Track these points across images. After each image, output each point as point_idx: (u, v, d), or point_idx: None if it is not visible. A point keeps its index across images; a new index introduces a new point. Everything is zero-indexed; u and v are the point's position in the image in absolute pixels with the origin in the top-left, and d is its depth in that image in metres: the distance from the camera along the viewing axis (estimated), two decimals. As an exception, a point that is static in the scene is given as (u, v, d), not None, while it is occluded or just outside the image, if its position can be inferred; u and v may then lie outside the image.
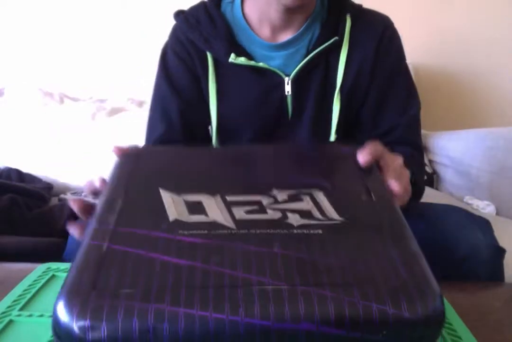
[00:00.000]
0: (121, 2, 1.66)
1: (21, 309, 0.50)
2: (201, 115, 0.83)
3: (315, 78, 0.80)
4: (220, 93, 0.81)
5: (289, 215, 0.42)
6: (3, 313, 0.48)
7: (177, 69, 0.84)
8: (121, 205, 0.43)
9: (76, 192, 1.36)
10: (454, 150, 1.54)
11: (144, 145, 0.85)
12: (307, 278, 0.35)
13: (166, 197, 0.44)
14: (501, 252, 0.70)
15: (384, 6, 0.94)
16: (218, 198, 0.44)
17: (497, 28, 1.75)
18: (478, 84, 1.81)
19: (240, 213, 0.42)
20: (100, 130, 1.46)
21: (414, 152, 0.83)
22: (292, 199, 0.45)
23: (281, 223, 0.41)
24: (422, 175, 0.90)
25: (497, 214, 1.41)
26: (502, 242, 0.71)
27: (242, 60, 0.78)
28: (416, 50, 1.26)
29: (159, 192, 0.45)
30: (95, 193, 0.49)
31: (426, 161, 1.57)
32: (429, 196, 0.88)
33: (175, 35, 0.84)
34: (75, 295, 0.33)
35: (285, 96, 0.80)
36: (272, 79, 0.80)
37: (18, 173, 1.37)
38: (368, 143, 0.52)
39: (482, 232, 0.69)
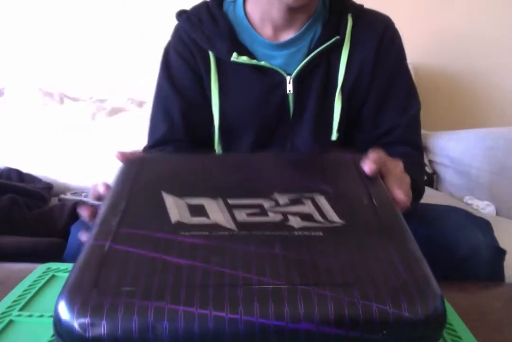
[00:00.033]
0: (121, 2, 1.66)
1: (21, 309, 0.50)
2: (203, 115, 0.83)
3: (316, 77, 0.80)
4: (222, 92, 0.82)
5: (290, 217, 0.43)
6: (3, 313, 0.48)
7: (180, 69, 0.84)
8: (124, 207, 0.44)
9: (76, 192, 1.36)
10: (454, 151, 1.54)
11: (148, 151, 0.85)
12: (307, 278, 0.35)
13: (169, 200, 0.45)
14: (501, 253, 0.70)
15: (384, 6, 0.94)
16: (220, 201, 0.45)
17: (497, 28, 1.75)
18: (478, 84, 1.81)
19: (241, 215, 0.43)
20: (100, 130, 1.46)
21: (414, 153, 0.83)
22: (294, 202, 0.45)
23: (282, 225, 0.42)
24: (422, 175, 0.90)
25: (497, 214, 1.41)
26: (502, 242, 0.71)
27: (244, 59, 0.78)
28: (416, 50, 1.26)
29: (162, 196, 0.46)
30: (99, 198, 0.51)
31: (426, 161, 1.57)
32: (429, 196, 0.88)
33: (178, 35, 0.85)
34: (76, 293, 0.33)
35: (287, 95, 0.81)
36: (273, 78, 0.80)
37: (18, 173, 1.37)
38: (371, 151, 0.53)
39: (482, 233, 0.69)
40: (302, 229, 0.41)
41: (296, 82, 0.80)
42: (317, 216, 0.43)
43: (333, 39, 0.79)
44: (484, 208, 1.40)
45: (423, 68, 1.70)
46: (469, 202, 1.44)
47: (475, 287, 0.64)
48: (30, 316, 0.48)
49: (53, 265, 0.61)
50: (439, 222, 0.71)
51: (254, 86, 0.81)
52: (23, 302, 0.51)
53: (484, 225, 0.72)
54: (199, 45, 0.82)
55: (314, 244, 0.39)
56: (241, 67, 0.80)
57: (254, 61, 0.79)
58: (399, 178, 0.53)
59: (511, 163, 1.44)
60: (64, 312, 0.32)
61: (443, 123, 1.70)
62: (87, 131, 1.46)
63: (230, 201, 0.45)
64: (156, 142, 0.85)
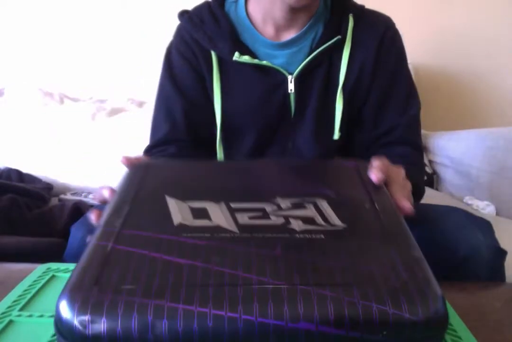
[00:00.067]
0: (121, 2, 1.66)
1: (21, 309, 0.50)
2: (205, 115, 0.84)
3: (317, 76, 0.81)
4: (224, 92, 0.82)
5: (292, 221, 0.43)
6: (3, 313, 0.48)
7: (182, 69, 0.84)
8: (128, 210, 0.44)
9: (76, 192, 1.36)
10: (454, 151, 1.54)
11: (149, 151, 0.85)
12: (307, 278, 0.35)
13: (172, 203, 0.46)
14: (502, 253, 0.70)
15: (385, 6, 0.94)
16: (223, 205, 0.45)
17: (497, 28, 1.75)
18: (478, 84, 1.81)
19: (243, 218, 0.43)
20: (100, 131, 1.46)
21: (414, 153, 0.84)
22: (296, 206, 0.45)
23: (284, 228, 0.42)
24: (422, 175, 0.90)
25: (497, 214, 1.41)
26: (502, 242, 0.71)
27: (246, 58, 0.78)
28: (416, 50, 1.26)
29: (165, 199, 0.46)
30: (104, 202, 0.52)
31: (426, 161, 1.57)
32: (429, 196, 0.88)
33: (180, 35, 0.85)
34: (77, 291, 0.34)
35: (288, 94, 0.81)
36: (275, 78, 0.80)
37: (18, 173, 1.37)
38: (374, 159, 0.54)
39: (483, 233, 0.69)
40: (303, 231, 0.41)
41: (298, 81, 0.80)
42: (319, 220, 0.43)
43: (335, 39, 0.79)
44: (484, 208, 1.40)
45: (423, 68, 1.70)
46: (469, 202, 1.44)
47: (475, 287, 0.64)
48: (30, 316, 0.48)
49: (53, 265, 0.61)
50: (439, 222, 0.71)
51: (256, 85, 0.81)
52: (23, 302, 0.51)
53: (484, 225, 0.72)
54: (201, 45, 0.82)
55: (315, 246, 0.39)
56: (243, 67, 0.80)
57: (256, 61, 0.79)
58: (402, 185, 0.54)
59: (511, 163, 1.44)
60: (65, 310, 0.32)
61: (443, 123, 1.70)
62: (87, 131, 1.46)
63: (233, 205, 0.45)
64: (158, 142, 0.85)
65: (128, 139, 1.42)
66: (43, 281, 0.56)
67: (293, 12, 0.78)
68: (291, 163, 0.64)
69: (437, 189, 1.58)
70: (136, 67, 1.65)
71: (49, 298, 0.53)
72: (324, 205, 0.45)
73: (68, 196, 1.32)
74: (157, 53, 0.88)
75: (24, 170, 1.39)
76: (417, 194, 0.74)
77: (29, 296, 0.52)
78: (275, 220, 0.43)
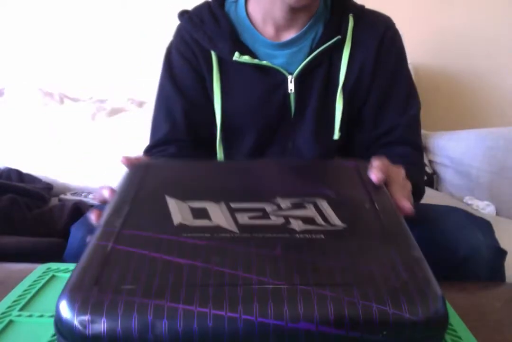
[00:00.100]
0: (121, 2, 1.66)
1: (21, 309, 0.50)
2: (205, 115, 0.84)
3: (317, 76, 0.81)
4: (224, 92, 0.82)
5: (292, 221, 0.43)
6: (3, 313, 0.48)
7: (182, 69, 0.84)
8: (128, 210, 0.44)
9: (76, 192, 1.36)
10: (454, 151, 1.54)
11: (149, 151, 0.85)
12: (307, 278, 0.35)
13: (172, 203, 0.46)
14: (502, 253, 0.70)
15: (385, 6, 0.94)
16: (223, 205, 0.45)
17: (497, 28, 1.75)
18: (478, 84, 1.81)
19: (243, 218, 0.43)
20: (100, 131, 1.46)
21: (414, 153, 0.84)
22: (296, 206, 0.45)
23: (284, 228, 0.42)
24: (422, 175, 0.90)
25: (497, 214, 1.41)
26: (502, 242, 0.71)
27: (246, 58, 0.78)
28: (416, 50, 1.26)
29: (165, 200, 0.46)
30: (104, 202, 0.52)
31: (426, 161, 1.57)
32: (429, 196, 0.88)
33: (180, 35, 0.85)
34: (77, 291, 0.34)
35: (288, 94, 0.81)
36: (275, 78, 0.80)
37: (18, 173, 1.36)
38: (374, 159, 0.54)
39: (483, 233, 0.69)
40: (303, 231, 0.41)
41: (298, 81, 0.80)
42: (319, 220, 0.43)
43: (335, 39, 0.79)
44: (484, 208, 1.40)
45: (423, 68, 1.70)
46: (469, 202, 1.44)
47: (475, 287, 0.64)
48: (30, 316, 0.48)
49: (53, 265, 0.61)
50: (439, 222, 0.71)
51: (256, 85, 0.81)
52: (23, 302, 0.51)
53: (484, 225, 0.72)
54: (201, 45, 0.82)
55: (315, 246, 0.39)
56: (243, 67, 0.80)
57: (256, 61, 0.79)
58: (402, 185, 0.54)
59: (511, 163, 1.44)
60: (65, 310, 0.32)
61: (443, 123, 1.70)
62: (87, 131, 1.46)
63: (233, 205, 0.45)
64: (158, 142, 0.85)
65: (128, 139, 1.42)
66: (43, 281, 0.56)
67: (293, 12, 0.78)
68: (291, 163, 0.64)
69: (437, 189, 1.58)
70: (136, 67, 1.65)
71: (49, 298, 0.53)
72: (324, 205, 0.45)
73: (68, 196, 1.32)
74: (157, 53, 0.88)
75: (24, 170, 1.39)
76: (417, 194, 0.74)
77: (29, 296, 0.52)
78: (275, 220, 0.43)
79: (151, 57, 1.53)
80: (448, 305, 0.50)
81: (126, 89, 1.64)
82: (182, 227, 0.42)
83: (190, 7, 0.87)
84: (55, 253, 0.81)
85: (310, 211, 0.44)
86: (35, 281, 0.56)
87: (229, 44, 0.80)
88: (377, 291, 0.33)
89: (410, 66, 0.87)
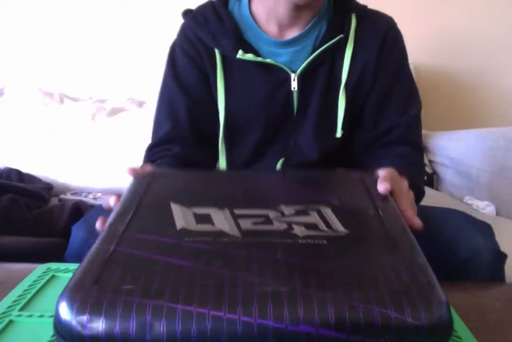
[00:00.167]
0: (121, 2, 1.66)
1: (21, 309, 0.50)
2: (208, 113, 0.84)
3: (320, 74, 0.81)
4: (228, 90, 0.82)
5: (295, 226, 0.43)
6: (3, 313, 0.48)
7: (186, 67, 0.84)
8: (132, 215, 0.45)
9: (76, 192, 1.35)
10: (454, 151, 1.54)
11: (151, 151, 0.86)
12: (307, 281, 0.35)
13: (176, 209, 0.46)
14: (502, 256, 0.70)
15: (385, 6, 0.94)
16: (227, 211, 0.46)
17: (497, 28, 1.75)
18: (478, 84, 1.81)
19: (246, 224, 0.43)
20: (100, 130, 1.46)
21: (414, 153, 0.84)
22: (299, 213, 0.46)
23: (286, 233, 0.42)
24: (422, 176, 0.90)
25: (497, 214, 1.40)
26: (502, 242, 0.71)
27: (249, 56, 0.79)
28: (416, 50, 1.26)
29: (169, 206, 0.47)
30: (111, 210, 0.52)
31: (426, 161, 1.56)
32: (429, 196, 0.88)
33: (184, 33, 0.85)
34: (77, 291, 0.34)
35: (291, 92, 0.81)
36: (278, 76, 0.81)
37: (18, 173, 1.36)
38: (381, 170, 0.55)
39: (483, 236, 0.69)
40: (306, 237, 0.41)
41: (301, 79, 0.80)
42: (322, 226, 0.43)
43: (337, 38, 0.79)
44: (484, 208, 1.40)
45: (423, 68, 1.70)
46: (469, 202, 1.43)
47: (475, 287, 0.64)
48: (30, 316, 0.48)
49: (53, 265, 0.61)
50: (439, 224, 0.71)
51: (259, 83, 0.81)
52: (23, 302, 0.51)
53: (484, 228, 0.72)
54: (205, 43, 0.82)
55: (317, 251, 0.39)
56: (246, 65, 0.80)
57: (259, 59, 0.79)
58: (405, 195, 0.55)
59: (511, 163, 1.44)
60: (64, 310, 0.32)
61: (443, 123, 1.69)
62: (87, 131, 1.46)
63: (237, 211, 0.45)
64: (160, 140, 0.85)
65: (128, 139, 1.42)
66: (43, 281, 0.56)
67: (297, 10, 0.78)
68: (297, 172, 0.66)
69: (437, 189, 1.58)
70: (136, 67, 1.65)
71: (49, 298, 0.53)
72: (328, 212, 0.46)
73: (68, 196, 1.32)
74: (157, 53, 0.88)
75: (24, 170, 1.39)
76: (417, 194, 0.74)
77: (29, 296, 0.52)
78: (278, 226, 0.43)
79: (151, 57, 1.53)
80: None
81: (126, 89, 1.64)
82: (185, 231, 0.42)
83: (190, 7, 0.87)
84: (55, 253, 0.81)
85: (313, 218, 0.44)
86: (35, 281, 0.56)
87: (232, 42, 0.80)
88: (379, 294, 0.33)
89: (411, 66, 0.87)
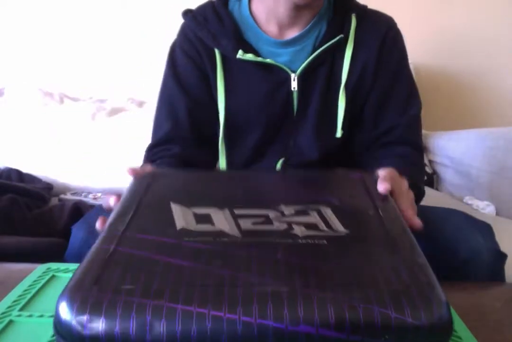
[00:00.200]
0: (121, 2, 1.66)
1: (21, 309, 0.50)
2: (208, 113, 0.84)
3: (320, 74, 0.81)
4: (228, 90, 0.82)
5: (295, 226, 0.43)
6: (3, 313, 0.48)
7: (186, 67, 0.84)
8: (132, 215, 0.45)
9: (76, 192, 1.35)
10: (454, 151, 1.54)
11: (151, 151, 0.86)
12: (307, 281, 0.35)
13: (176, 209, 0.46)
14: (502, 256, 0.70)
15: (385, 6, 0.94)
16: (227, 211, 0.46)
17: (497, 28, 1.75)
18: (478, 84, 1.81)
19: (246, 224, 0.43)
20: (100, 130, 1.46)
21: (414, 153, 0.84)
22: (299, 213, 0.46)
23: (286, 233, 0.42)
24: (422, 176, 0.90)
25: (497, 214, 1.40)
26: (502, 242, 0.71)
27: (249, 56, 0.79)
28: (416, 50, 1.26)
29: (169, 206, 0.47)
30: (111, 210, 0.52)
31: (426, 161, 1.56)
32: (429, 196, 0.88)
33: (183, 33, 0.85)
34: (77, 291, 0.34)
35: (292, 92, 0.81)
36: (278, 75, 0.81)
37: (18, 173, 1.36)
38: (381, 170, 0.55)
39: (483, 236, 0.69)
40: (306, 237, 0.41)
41: (301, 79, 0.80)
42: (322, 226, 0.43)
43: (337, 38, 0.79)
44: (484, 208, 1.40)
45: (423, 68, 1.70)
46: (469, 202, 1.43)
47: (475, 287, 0.64)
48: (30, 316, 0.48)
49: (53, 265, 0.61)
50: (439, 224, 0.71)
51: (259, 83, 0.81)
52: (23, 302, 0.51)
53: (484, 228, 0.72)
54: (205, 43, 0.82)
55: (317, 250, 0.39)
56: (246, 65, 0.80)
57: (259, 59, 0.79)
58: (405, 195, 0.55)
59: (511, 163, 1.44)
60: (64, 310, 0.32)
61: (443, 123, 1.69)
62: (87, 131, 1.46)
63: (236, 211, 0.45)
64: (160, 140, 0.85)
65: (128, 139, 1.42)
66: (43, 281, 0.56)
67: (297, 10, 0.78)
68: (297, 173, 0.66)
69: (437, 189, 1.58)
70: (136, 67, 1.65)
71: (49, 298, 0.53)
72: (328, 212, 0.46)
73: (68, 196, 1.32)
74: (157, 53, 0.88)
75: (24, 170, 1.39)
76: (417, 194, 0.75)
77: (29, 296, 0.52)
78: (278, 226, 0.43)
79: (151, 57, 1.53)
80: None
81: (126, 89, 1.64)
82: (185, 231, 0.42)
83: (190, 7, 0.87)
84: (55, 253, 0.81)
85: (313, 218, 0.44)
86: (35, 281, 0.56)
87: (232, 42, 0.80)
88: (379, 294, 0.33)
89: (411, 66, 0.87)
